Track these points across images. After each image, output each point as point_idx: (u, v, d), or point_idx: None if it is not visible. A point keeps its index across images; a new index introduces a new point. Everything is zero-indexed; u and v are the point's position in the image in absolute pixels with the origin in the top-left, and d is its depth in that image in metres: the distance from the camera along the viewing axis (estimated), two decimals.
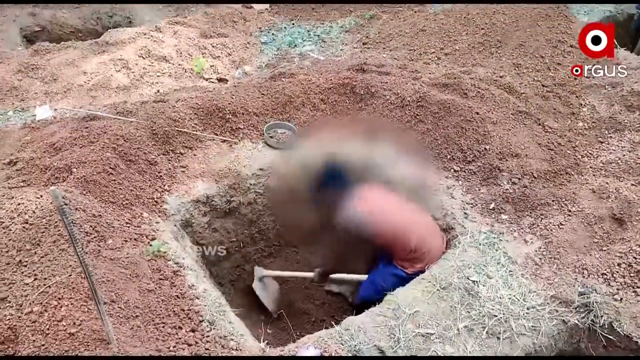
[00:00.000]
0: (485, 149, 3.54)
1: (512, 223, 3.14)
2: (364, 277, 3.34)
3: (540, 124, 3.85)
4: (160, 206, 3.19)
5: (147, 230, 2.94)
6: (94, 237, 2.68)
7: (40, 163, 3.23)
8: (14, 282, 2.46)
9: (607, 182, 3.24)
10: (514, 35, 4.76)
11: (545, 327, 2.55)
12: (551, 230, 3.02)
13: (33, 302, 2.36)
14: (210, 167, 3.55)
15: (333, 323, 2.62)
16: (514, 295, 2.67)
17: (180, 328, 2.44)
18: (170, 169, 3.44)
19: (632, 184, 3.24)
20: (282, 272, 3.77)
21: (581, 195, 3.20)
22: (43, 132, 3.66)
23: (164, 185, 3.32)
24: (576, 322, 2.56)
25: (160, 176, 3.36)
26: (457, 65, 4.63)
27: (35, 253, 2.56)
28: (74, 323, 2.27)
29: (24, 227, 2.66)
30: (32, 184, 3.10)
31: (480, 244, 2.98)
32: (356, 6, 6.36)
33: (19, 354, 2.21)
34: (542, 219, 3.11)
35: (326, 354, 2.34)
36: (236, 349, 2.41)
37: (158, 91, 4.61)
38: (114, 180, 3.11)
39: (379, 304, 2.69)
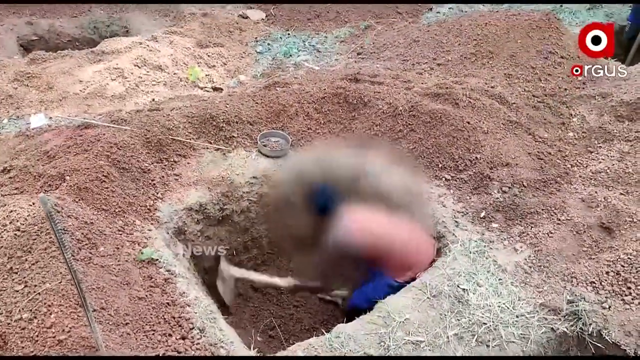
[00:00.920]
0: (476, 158, 3.58)
1: (502, 231, 3.17)
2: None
3: (531, 134, 3.90)
4: (153, 214, 3.19)
5: (139, 238, 2.94)
6: (85, 245, 2.68)
7: (34, 171, 3.24)
8: (4, 289, 2.46)
9: (596, 192, 3.28)
10: (506, 47, 4.82)
11: (534, 335, 2.56)
12: (541, 238, 3.04)
13: (23, 309, 2.36)
14: (203, 175, 3.57)
15: (324, 331, 2.63)
16: (504, 303, 2.69)
17: (170, 335, 2.44)
18: (163, 176, 3.45)
19: (621, 193, 3.27)
20: (251, 274, 3.61)
21: (570, 204, 3.23)
22: (37, 140, 3.68)
23: (157, 193, 3.34)
24: (565, 330, 2.58)
25: (154, 184, 3.37)
26: (449, 75, 4.68)
27: (26, 260, 2.56)
28: (63, 330, 2.27)
29: (15, 234, 2.67)
30: (25, 192, 3.11)
31: (470, 252, 3.01)
32: (351, 16, 6.45)
33: None
34: (531, 227, 3.14)
35: None
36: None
37: (153, 100, 4.65)
38: (107, 188, 3.11)
39: (369, 312, 2.70)
